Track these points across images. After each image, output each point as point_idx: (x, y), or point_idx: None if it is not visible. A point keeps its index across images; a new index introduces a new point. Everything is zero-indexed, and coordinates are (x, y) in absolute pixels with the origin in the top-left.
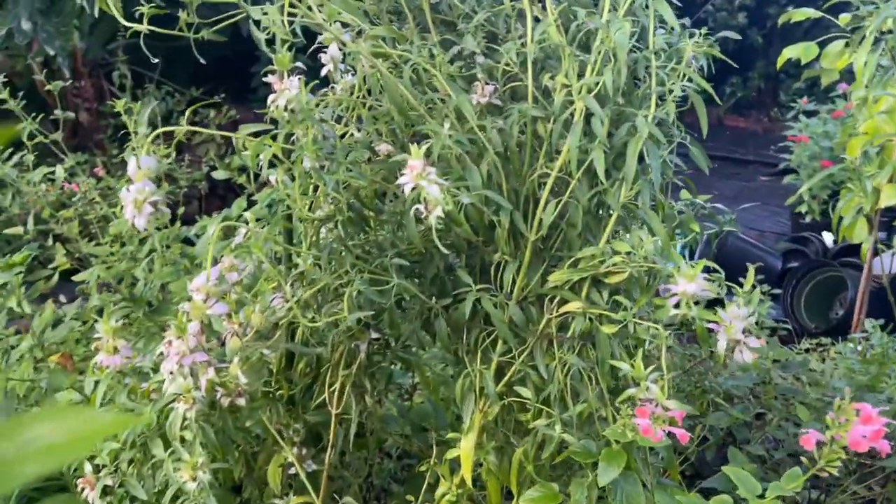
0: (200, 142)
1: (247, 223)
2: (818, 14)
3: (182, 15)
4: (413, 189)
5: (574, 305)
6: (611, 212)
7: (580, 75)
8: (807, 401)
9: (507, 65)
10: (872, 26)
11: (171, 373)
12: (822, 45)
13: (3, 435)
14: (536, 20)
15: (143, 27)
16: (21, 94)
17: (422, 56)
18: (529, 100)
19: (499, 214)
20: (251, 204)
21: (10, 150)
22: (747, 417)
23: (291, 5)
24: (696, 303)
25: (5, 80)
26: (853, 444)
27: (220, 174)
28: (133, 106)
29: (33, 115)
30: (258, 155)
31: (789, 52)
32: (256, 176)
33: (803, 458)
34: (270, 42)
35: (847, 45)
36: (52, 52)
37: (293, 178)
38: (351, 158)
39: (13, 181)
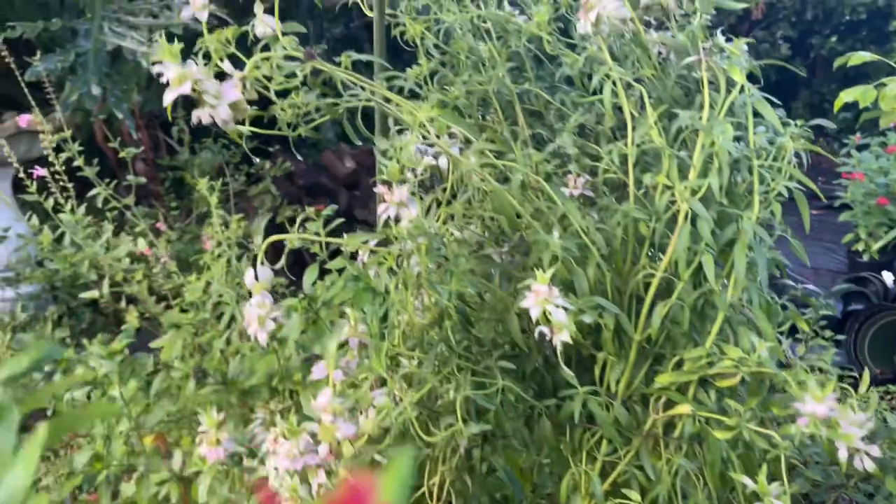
0: (257, 193)
1: (350, 320)
2: (874, 58)
3: (282, 115)
4: (539, 312)
5: (683, 409)
6: (715, 310)
7: (681, 172)
8: (891, 464)
9: (607, 163)
10: None
11: (278, 471)
12: (879, 84)
13: None
14: (633, 115)
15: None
16: (83, 149)
17: (528, 166)
18: (631, 200)
19: (603, 316)
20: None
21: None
22: (830, 482)
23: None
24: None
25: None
26: None
27: (291, 236)
28: (191, 159)
29: (106, 181)
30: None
31: (847, 96)
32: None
33: None
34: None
35: None
36: (121, 116)
37: (404, 284)
38: (461, 269)
39: (98, 259)
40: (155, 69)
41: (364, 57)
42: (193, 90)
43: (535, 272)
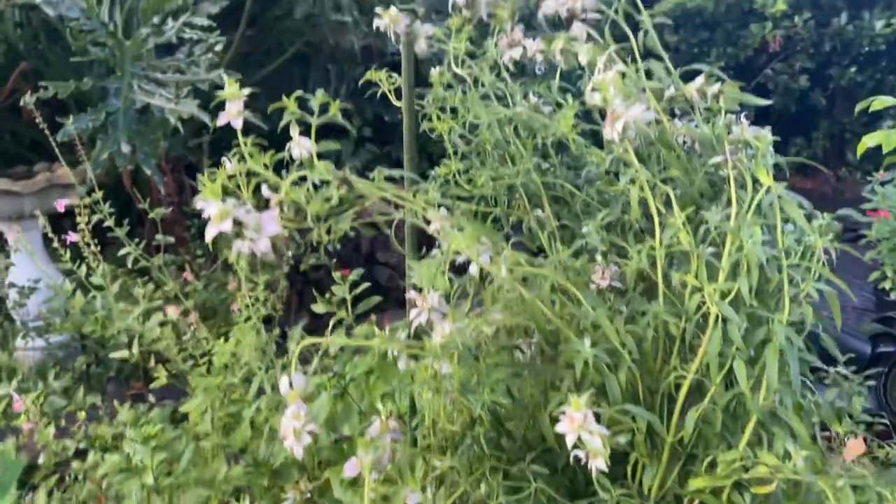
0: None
1: (380, 415)
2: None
3: (316, 229)
4: (574, 438)
5: None
6: (748, 412)
7: (710, 271)
8: None
9: (638, 262)
10: None
11: None
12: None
13: None
14: (660, 212)
15: (284, 231)
16: (106, 196)
17: (556, 272)
18: (660, 300)
19: (636, 420)
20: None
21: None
22: None
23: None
24: None
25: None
26: None
27: (318, 308)
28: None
29: (137, 240)
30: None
31: (869, 140)
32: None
33: None
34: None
35: None
36: (149, 172)
37: (437, 392)
38: (493, 378)
39: (133, 330)
40: (197, 204)
41: (396, 172)
42: (235, 226)
43: (567, 377)
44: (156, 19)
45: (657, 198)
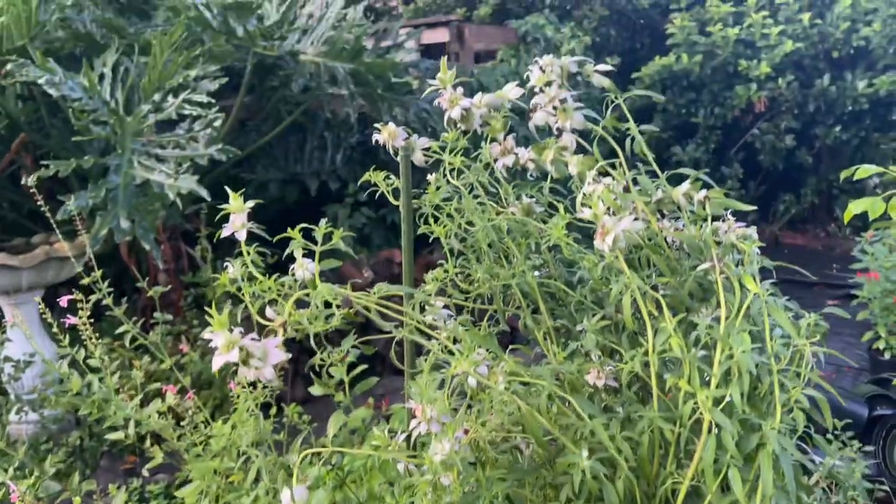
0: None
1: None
2: (880, 170)
3: (319, 361)
4: None
5: None
6: None
7: (701, 375)
8: None
9: (630, 368)
10: None
11: None
12: (887, 197)
13: None
14: (652, 316)
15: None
16: (101, 262)
17: (552, 382)
18: (655, 406)
19: None
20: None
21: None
22: None
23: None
24: None
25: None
26: None
27: (316, 390)
28: (214, 278)
29: (134, 319)
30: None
31: (856, 208)
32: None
33: None
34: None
35: None
36: (147, 247)
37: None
38: (493, 492)
39: (129, 417)
40: (205, 335)
41: (396, 288)
42: (242, 355)
43: (566, 486)
44: (156, 96)
45: (648, 301)
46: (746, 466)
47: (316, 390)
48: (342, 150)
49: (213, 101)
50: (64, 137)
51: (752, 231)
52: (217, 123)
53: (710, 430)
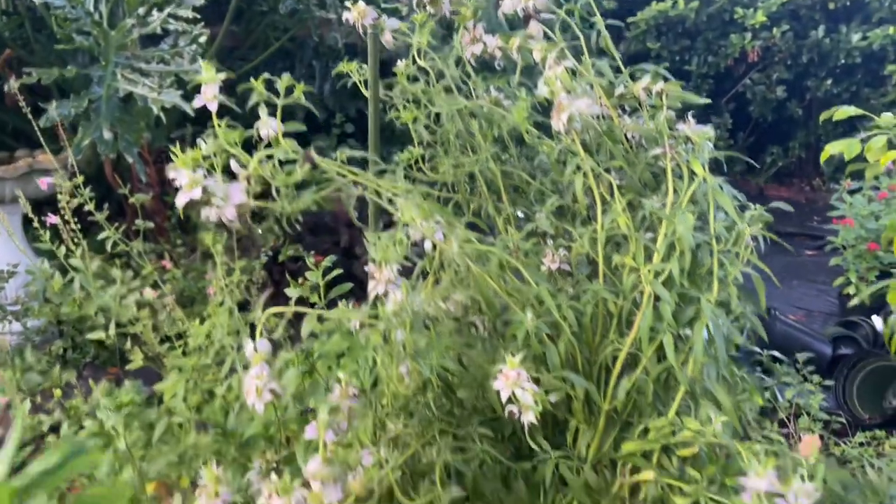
0: (262, 231)
1: (342, 382)
2: (859, 112)
3: (282, 209)
4: (509, 394)
5: (647, 475)
6: (679, 382)
7: (647, 254)
8: None
9: (580, 245)
10: None
11: None
12: (864, 138)
13: None
14: (604, 199)
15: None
16: (90, 181)
17: (503, 251)
18: (600, 279)
19: (574, 387)
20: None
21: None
22: None
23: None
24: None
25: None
26: None
27: (291, 291)
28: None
29: (116, 225)
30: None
31: (832, 148)
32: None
33: None
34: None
35: (890, 140)
36: (131, 160)
37: (389, 356)
38: (443, 344)
39: (108, 307)
40: (169, 174)
41: (359, 153)
42: (204, 194)
43: (512, 348)
44: (141, 10)
45: (602, 186)
46: (682, 339)
47: (292, 292)
48: (329, 81)
49: (199, 16)
50: (48, 53)
51: (709, 128)
52: (202, 40)
53: (649, 301)
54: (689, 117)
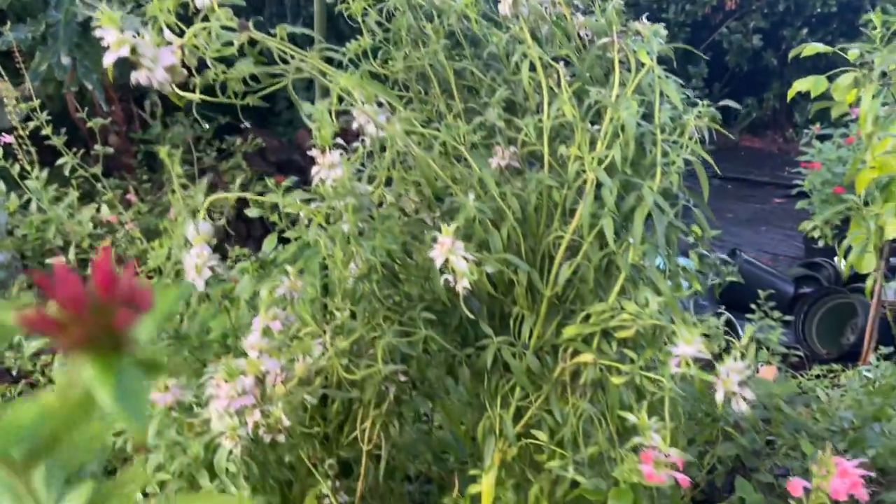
0: (228, 168)
1: (287, 274)
2: (827, 49)
3: (231, 83)
4: (443, 261)
5: (586, 357)
6: (620, 270)
7: (592, 144)
8: (814, 430)
9: (526, 135)
10: (875, 71)
11: (219, 412)
12: (831, 75)
13: None
14: (552, 91)
15: (196, 97)
16: (52, 119)
17: (449, 134)
18: (546, 168)
19: (517, 273)
20: (281, 240)
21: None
22: (755, 447)
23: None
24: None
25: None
26: (834, 493)
27: (252, 212)
28: (163, 133)
29: (73, 150)
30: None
31: (799, 86)
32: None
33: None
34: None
35: (856, 79)
36: (90, 87)
37: (332, 240)
38: (386, 226)
39: (62, 223)
40: (96, 34)
41: (300, 30)
42: (132, 53)
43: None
44: None
45: (551, 79)
46: (625, 227)
47: (253, 212)
48: (301, 18)
49: None
50: None
51: (660, 27)
52: None
53: (592, 188)
54: (644, 19)
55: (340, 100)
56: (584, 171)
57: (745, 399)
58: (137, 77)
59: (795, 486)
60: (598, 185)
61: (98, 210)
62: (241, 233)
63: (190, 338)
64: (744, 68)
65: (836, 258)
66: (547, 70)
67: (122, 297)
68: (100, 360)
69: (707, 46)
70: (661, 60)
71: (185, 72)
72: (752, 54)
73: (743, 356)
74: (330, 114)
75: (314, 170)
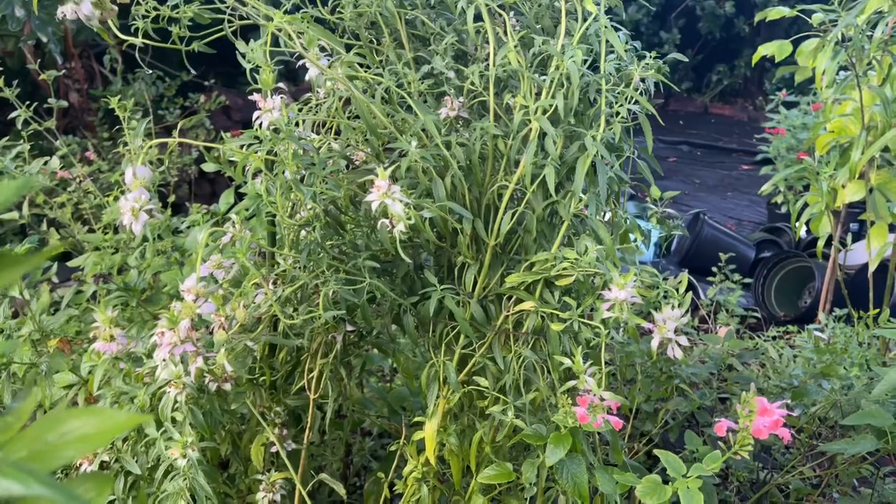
0: (190, 126)
1: (234, 223)
2: (792, 13)
3: (174, 30)
4: (380, 205)
5: (528, 305)
6: (563, 220)
7: (538, 94)
8: (764, 387)
9: (473, 84)
10: (833, 33)
11: (164, 360)
12: (797, 42)
13: (48, 426)
14: (500, 40)
15: (138, 40)
16: (12, 77)
17: (391, 79)
18: (491, 117)
19: (461, 222)
20: (239, 196)
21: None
22: (708, 402)
23: (274, 35)
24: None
25: None
26: (755, 432)
27: (209, 166)
28: (124, 90)
29: (27, 102)
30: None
31: (764, 50)
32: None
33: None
34: (255, 69)
35: (821, 44)
36: (44, 39)
37: (276, 187)
38: (328, 170)
39: (11, 172)
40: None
41: None
42: None
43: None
44: None
45: (498, 27)
46: (569, 178)
47: (208, 167)
48: None
49: None
50: None
51: None
52: None
53: (536, 137)
54: None
55: (280, 43)
56: (529, 121)
57: (679, 345)
58: (63, 10)
59: (721, 426)
60: (543, 135)
61: (46, 163)
62: (206, 191)
63: (139, 290)
64: (716, 35)
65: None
66: (494, 18)
67: None
68: None
69: (680, 13)
70: (622, 20)
71: (114, 7)
72: (725, 21)
73: (680, 305)
74: (266, 56)
75: (255, 114)
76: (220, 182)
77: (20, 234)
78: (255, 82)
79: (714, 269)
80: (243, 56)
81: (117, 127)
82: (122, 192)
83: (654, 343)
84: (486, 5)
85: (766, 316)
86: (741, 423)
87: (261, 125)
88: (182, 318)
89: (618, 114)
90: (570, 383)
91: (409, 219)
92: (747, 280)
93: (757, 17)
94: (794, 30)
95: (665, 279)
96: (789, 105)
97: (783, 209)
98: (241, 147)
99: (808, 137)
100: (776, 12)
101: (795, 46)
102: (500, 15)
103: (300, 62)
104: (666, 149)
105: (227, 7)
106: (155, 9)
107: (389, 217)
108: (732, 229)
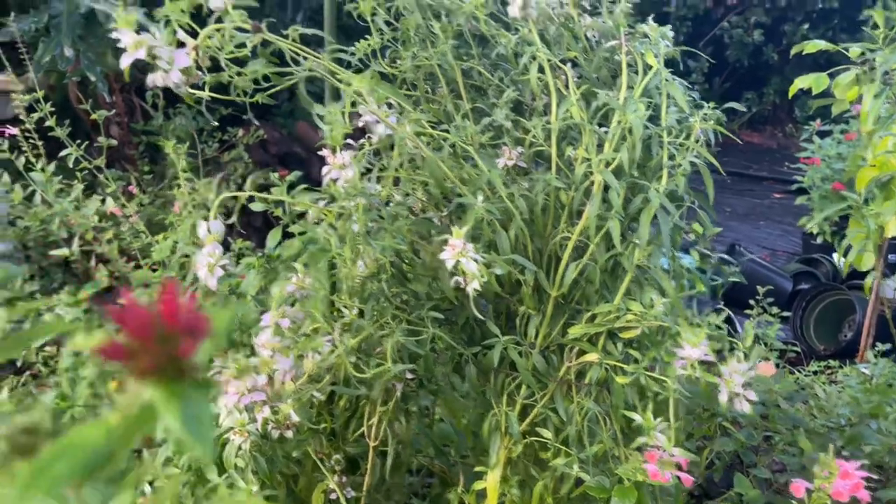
0: (229, 160)
1: (295, 271)
2: (830, 46)
3: (234, 81)
4: (455, 264)
5: (591, 357)
6: (626, 271)
7: (600, 146)
8: (811, 427)
9: (534, 136)
10: (878, 71)
11: (229, 408)
12: (832, 73)
13: None
14: (560, 93)
15: (205, 94)
16: (56, 110)
17: (458, 136)
18: (553, 170)
19: (524, 274)
20: (286, 235)
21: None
22: (753, 442)
23: (336, 88)
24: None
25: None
26: (836, 495)
27: (257, 206)
28: (166, 125)
29: (70, 134)
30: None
31: (801, 83)
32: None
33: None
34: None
35: (857, 76)
36: (93, 78)
37: (342, 239)
38: (395, 226)
39: (67, 215)
40: (113, 35)
41: (311, 31)
42: (149, 55)
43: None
44: None
45: (560, 80)
46: (631, 229)
47: (257, 206)
48: (303, 10)
49: None
50: None
51: (667, 28)
52: None
53: (599, 190)
54: (650, 20)
55: (353, 103)
56: (591, 173)
57: (747, 400)
58: (153, 79)
59: (798, 487)
60: (606, 188)
61: (103, 202)
62: (241, 223)
63: None
64: (744, 63)
65: (834, 255)
66: (555, 71)
67: (185, 326)
68: (165, 386)
69: (708, 41)
70: (668, 62)
71: (199, 73)
72: (753, 49)
73: (746, 357)
74: (343, 115)
75: (324, 169)
76: (254, 214)
77: (62, 267)
78: (290, 117)
79: (751, 301)
80: (321, 118)
81: (160, 160)
82: (194, 244)
83: (723, 398)
84: (549, 60)
85: (805, 350)
86: (818, 483)
87: (334, 181)
88: (260, 374)
89: (679, 165)
90: (640, 440)
91: (482, 276)
92: (785, 313)
93: (793, 51)
94: (823, 57)
95: (704, 314)
96: (822, 134)
97: (818, 240)
98: (314, 201)
99: (844, 168)
100: (813, 45)
101: (831, 78)
102: (560, 68)
103: (363, 118)
104: (693, 177)
105: (305, 70)
106: (238, 73)
107: (462, 274)
108: (767, 260)
